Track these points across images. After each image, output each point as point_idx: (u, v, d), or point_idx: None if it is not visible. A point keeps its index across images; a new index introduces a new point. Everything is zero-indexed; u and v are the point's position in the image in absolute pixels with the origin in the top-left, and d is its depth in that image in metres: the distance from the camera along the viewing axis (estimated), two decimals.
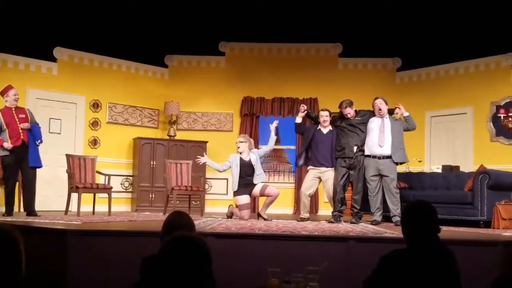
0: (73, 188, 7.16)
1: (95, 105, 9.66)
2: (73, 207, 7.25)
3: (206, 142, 10.10)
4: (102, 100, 9.72)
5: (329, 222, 6.75)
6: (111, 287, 3.90)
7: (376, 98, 6.96)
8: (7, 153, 6.60)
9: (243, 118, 10.48)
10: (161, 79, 10.59)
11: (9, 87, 6.89)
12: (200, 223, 5.64)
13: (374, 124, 6.86)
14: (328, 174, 7.14)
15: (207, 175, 9.89)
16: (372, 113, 6.98)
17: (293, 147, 10.69)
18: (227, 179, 10.35)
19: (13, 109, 6.75)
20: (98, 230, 4.85)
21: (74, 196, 7.22)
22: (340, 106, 6.98)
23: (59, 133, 9.15)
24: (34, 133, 6.74)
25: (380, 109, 6.82)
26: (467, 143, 9.34)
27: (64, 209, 7.25)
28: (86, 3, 8.77)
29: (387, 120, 6.84)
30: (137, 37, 9.50)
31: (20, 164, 6.70)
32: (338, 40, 10.47)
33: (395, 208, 6.65)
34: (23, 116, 6.75)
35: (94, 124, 9.63)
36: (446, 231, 5.88)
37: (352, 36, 9.95)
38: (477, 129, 9.25)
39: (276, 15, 9.62)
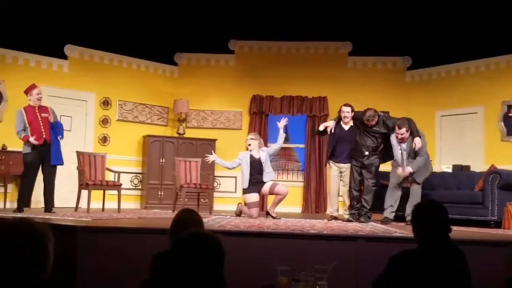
0: (83, 185, 7.20)
1: (105, 103, 9.70)
2: (83, 204, 7.29)
3: (215, 140, 10.12)
4: (112, 97, 9.77)
5: (347, 221, 6.77)
6: (121, 284, 3.92)
7: (400, 128, 6.65)
8: (29, 150, 6.67)
9: (252, 116, 10.48)
10: (171, 77, 10.61)
11: (33, 86, 6.95)
12: (209, 221, 5.65)
13: (395, 146, 6.78)
14: (347, 170, 7.16)
15: (216, 173, 9.90)
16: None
17: (302, 146, 10.68)
18: (235, 177, 10.36)
19: (36, 108, 6.82)
20: (108, 227, 4.87)
21: (84, 193, 7.27)
22: (364, 114, 6.84)
23: (69, 130, 9.18)
24: (56, 129, 6.82)
25: (402, 139, 6.70)
26: (478, 142, 9.27)
27: (74, 205, 7.29)
28: (97, 1, 8.81)
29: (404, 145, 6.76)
30: (147, 35, 9.54)
31: (42, 162, 6.76)
32: (348, 39, 10.43)
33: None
34: (46, 115, 6.83)
35: (104, 121, 9.68)
36: (456, 231, 5.84)
37: (362, 35, 9.91)
38: (488, 128, 9.18)
39: (285, 14, 9.60)
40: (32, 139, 6.61)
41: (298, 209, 10.33)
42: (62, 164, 6.95)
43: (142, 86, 10.13)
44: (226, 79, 10.56)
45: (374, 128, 6.86)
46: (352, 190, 6.99)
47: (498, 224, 6.52)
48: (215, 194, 9.62)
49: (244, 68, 10.59)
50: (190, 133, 10.29)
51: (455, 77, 9.78)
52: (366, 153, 6.86)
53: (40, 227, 1.66)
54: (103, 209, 7.58)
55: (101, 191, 7.55)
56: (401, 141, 6.69)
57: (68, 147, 8.78)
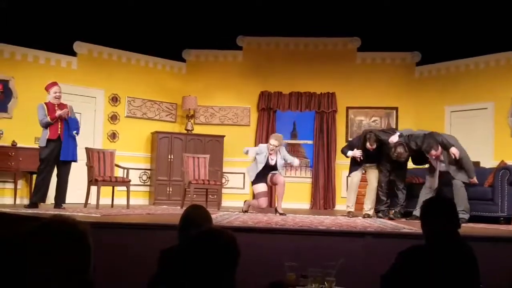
0: (92, 181, 7.25)
1: (114, 99, 9.74)
2: (92, 200, 7.33)
3: (223, 136, 10.13)
4: (121, 94, 9.80)
5: (377, 218, 6.87)
6: (130, 279, 3.94)
7: (429, 152, 6.66)
8: (44, 144, 6.75)
9: (260, 112, 10.47)
10: (179, 73, 10.63)
11: (52, 84, 7.01)
12: (217, 217, 5.66)
13: (433, 162, 6.89)
14: (372, 167, 7.29)
15: (224, 169, 9.92)
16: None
17: (310, 142, 10.66)
18: (243, 173, 10.38)
19: (56, 105, 6.89)
20: (117, 223, 4.90)
21: (94, 189, 7.31)
22: (393, 152, 6.84)
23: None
24: (71, 124, 6.87)
25: (437, 157, 6.73)
26: (488, 138, 9.20)
27: (83, 201, 7.34)
28: None
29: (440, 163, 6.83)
30: (155, 31, 9.55)
31: (57, 158, 6.82)
32: (356, 34, 10.37)
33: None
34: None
35: (113, 118, 9.72)
36: (466, 227, 5.81)
37: (371, 30, 9.85)
38: (498, 124, 9.11)
39: (293, 10, 9.57)
40: (59, 112, 6.68)
41: (306, 205, 10.32)
42: (74, 160, 6.98)
43: (150, 83, 10.15)
44: (234, 75, 10.55)
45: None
46: (381, 189, 7.16)
47: (507, 220, 6.48)
48: (223, 191, 9.64)
49: (252, 64, 10.58)
50: (198, 130, 10.31)
51: (464, 73, 9.71)
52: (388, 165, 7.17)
53: (83, 227, 1.53)
54: (112, 205, 7.62)
55: (110, 187, 7.59)
56: (436, 158, 6.73)
57: (78, 144, 8.84)
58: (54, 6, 8.45)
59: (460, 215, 6.35)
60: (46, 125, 6.75)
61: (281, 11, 9.56)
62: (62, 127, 6.80)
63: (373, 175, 7.26)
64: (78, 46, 9.35)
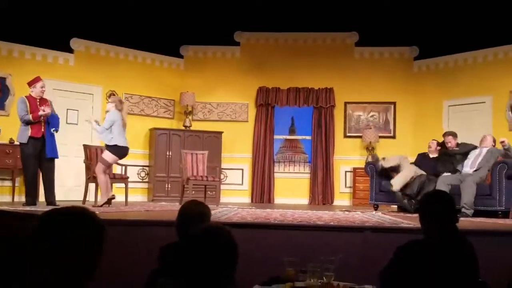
0: (90, 178, 7.24)
1: (112, 96, 9.71)
2: (90, 197, 7.32)
3: (221, 132, 10.12)
4: (119, 90, 9.78)
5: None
6: (128, 276, 3.94)
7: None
8: (25, 141, 6.66)
9: (258, 108, 10.46)
10: (177, 70, 10.61)
11: (38, 79, 6.95)
12: (216, 213, 5.66)
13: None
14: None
15: (223, 165, 9.92)
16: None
17: (308, 137, 10.65)
18: (242, 169, 10.39)
19: (38, 100, 6.82)
20: (116, 220, 4.89)
21: (92, 186, 7.30)
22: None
23: (76, 124, 9.23)
24: (51, 121, 6.79)
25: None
26: (486, 132, 9.17)
27: (81, 199, 7.33)
28: None
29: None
30: (153, 28, 9.52)
31: (39, 155, 6.77)
32: (354, 29, 10.36)
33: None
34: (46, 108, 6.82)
35: None
36: (464, 221, 5.83)
37: (369, 25, 9.84)
38: (496, 118, 9.12)
39: (291, 4, 9.55)
40: (42, 112, 6.60)
41: (305, 200, 10.33)
42: (57, 157, 6.87)
43: (148, 79, 10.13)
44: (232, 71, 10.54)
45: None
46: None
47: (506, 214, 6.49)
48: (222, 187, 9.62)
49: (250, 60, 10.56)
50: (196, 126, 10.30)
51: (462, 67, 9.71)
52: None
53: (99, 219, 1.51)
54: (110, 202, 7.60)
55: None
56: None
57: (75, 141, 8.84)
58: (51, 3, 8.42)
59: (463, 210, 6.42)
60: (27, 123, 6.65)
61: (279, 6, 9.54)
62: (45, 125, 6.73)
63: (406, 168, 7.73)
64: (75, 42, 9.32)
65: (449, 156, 7.56)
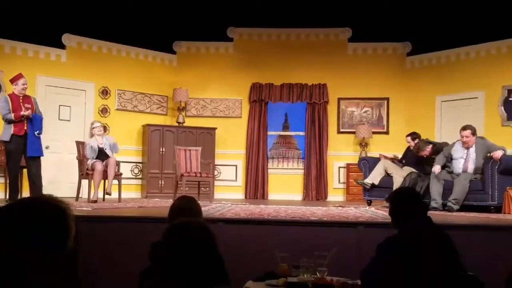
0: (83, 174, 7.21)
1: (104, 92, 9.68)
2: (83, 194, 7.30)
3: (215, 128, 10.10)
4: (111, 87, 9.74)
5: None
6: (122, 273, 3.93)
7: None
8: (7, 138, 6.59)
9: (252, 104, 10.45)
10: (170, 66, 10.57)
11: (19, 76, 6.89)
12: (210, 209, 5.66)
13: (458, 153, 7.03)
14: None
15: (216, 162, 9.91)
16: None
17: (302, 133, 10.66)
18: (235, 165, 10.38)
19: (21, 97, 6.75)
20: (109, 216, 4.88)
21: (85, 182, 7.27)
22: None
23: (68, 120, 9.19)
24: (34, 123, 6.68)
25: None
26: (478, 127, 9.12)
27: (74, 195, 7.30)
28: None
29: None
30: (146, 23, 9.47)
31: (23, 154, 6.70)
32: (348, 25, 10.36)
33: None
34: (29, 106, 6.74)
35: (104, 111, 9.66)
36: (457, 216, 5.86)
37: (362, 21, 9.84)
38: (488, 113, 9.16)
39: (284, 0, 9.52)
40: (23, 112, 6.53)
41: (298, 196, 10.34)
42: (41, 155, 6.81)
43: (141, 75, 10.09)
44: (225, 67, 10.51)
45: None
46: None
47: (498, 209, 6.52)
48: (216, 183, 9.63)
49: (243, 55, 10.54)
50: (190, 122, 10.28)
51: (455, 62, 9.74)
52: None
53: (62, 204, 1.72)
54: (104, 198, 7.59)
55: (102, 181, 7.55)
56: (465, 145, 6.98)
57: (68, 137, 8.80)
58: None
59: (448, 204, 6.46)
60: (9, 122, 6.59)
61: (272, 1, 9.52)
62: (27, 124, 6.65)
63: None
64: (67, 38, 9.26)
65: (428, 160, 7.50)
